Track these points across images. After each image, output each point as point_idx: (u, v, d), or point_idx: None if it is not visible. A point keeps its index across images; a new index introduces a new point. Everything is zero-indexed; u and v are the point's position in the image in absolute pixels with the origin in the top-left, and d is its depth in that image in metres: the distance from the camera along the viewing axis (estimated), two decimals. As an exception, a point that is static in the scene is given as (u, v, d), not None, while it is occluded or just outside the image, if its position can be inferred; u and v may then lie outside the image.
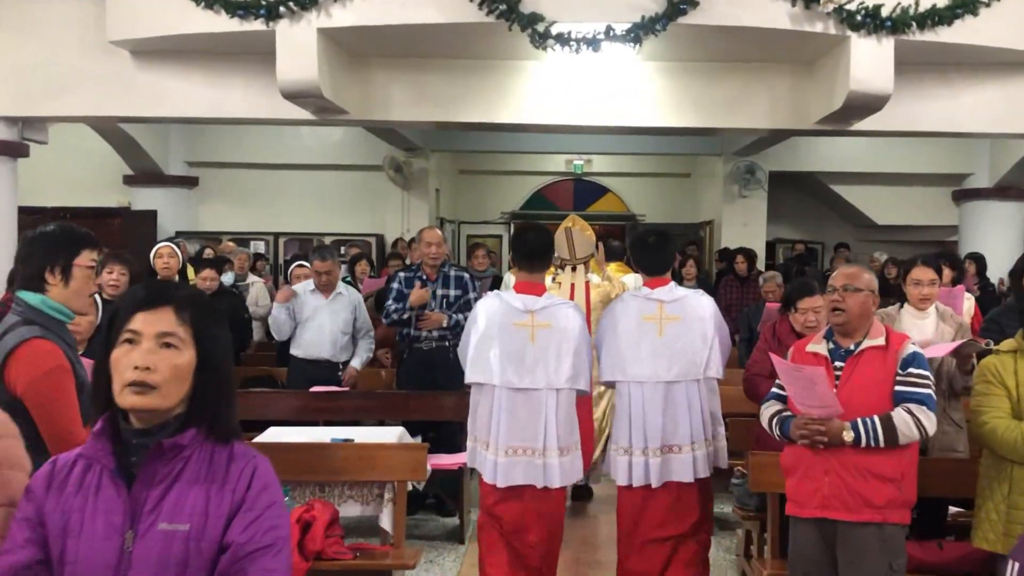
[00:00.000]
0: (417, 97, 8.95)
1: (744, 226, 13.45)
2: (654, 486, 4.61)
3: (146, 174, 13.44)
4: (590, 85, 8.88)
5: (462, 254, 14.84)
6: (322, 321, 6.86)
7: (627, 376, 4.68)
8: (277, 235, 13.72)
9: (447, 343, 6.77)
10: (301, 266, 8.19)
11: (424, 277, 6.83)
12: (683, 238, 14.75)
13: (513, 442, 4.45)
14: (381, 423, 7.52)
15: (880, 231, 14.90)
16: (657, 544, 4.68)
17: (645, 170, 16.96)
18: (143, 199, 13.53)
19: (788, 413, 3.89)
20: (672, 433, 4.61)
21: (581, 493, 7.19)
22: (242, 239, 13.30)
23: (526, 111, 9.00)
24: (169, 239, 12.28)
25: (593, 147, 13.90)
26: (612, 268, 8.16)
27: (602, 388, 6.30)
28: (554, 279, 6.62)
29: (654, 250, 4.85)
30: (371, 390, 7.20)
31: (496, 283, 9.54)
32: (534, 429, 4.47)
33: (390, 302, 6.83)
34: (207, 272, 7.85)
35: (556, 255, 6.51)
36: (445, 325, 6.68)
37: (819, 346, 3.93)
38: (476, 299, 6.79)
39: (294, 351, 6.91)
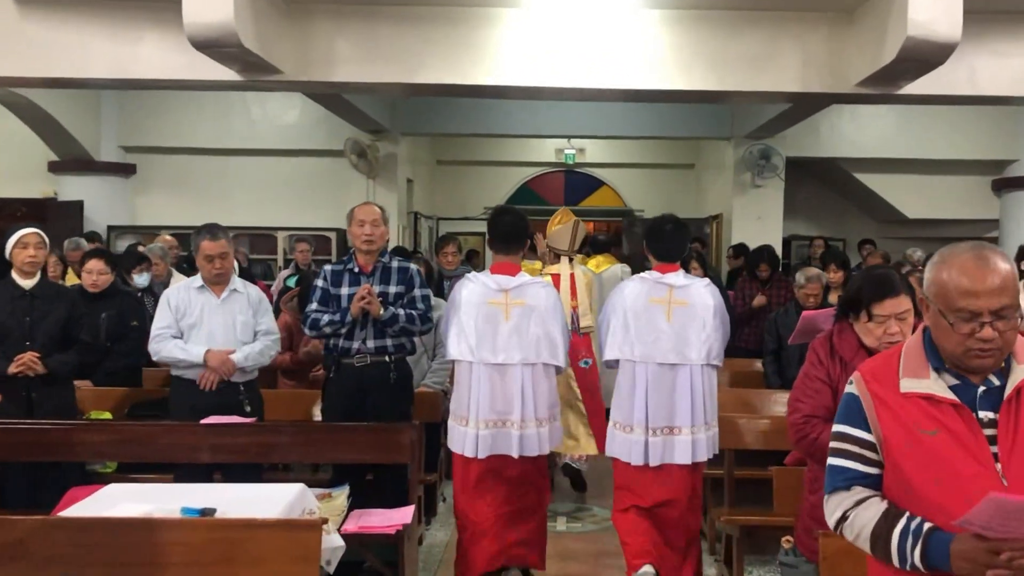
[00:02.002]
0: (367, 53, 7.32)
1: (758, 220, 11.79)
2: (652, 465, 4.68)
3: (75, 160, 11.77)
4: (579, 38, 7.25)
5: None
6: (212, 328, 5.09)
7: (634, 356, 4.74)
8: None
9: (387, 358, 5.11)
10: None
11: (357, 269, 5.16)
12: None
13: (491, 415, 4.68)
14: (316, 468, 5.89)
15: (907, 226, 13.26)
16: (653, 520, 4.76)
17: (643, 160, 15.38)
18: (71, 189, 11.87)
19: (927, 524, 2.09)
20: (673, 415, 4.69)
21: (576, 481, 7.17)
22: (184, 234, 11.57)
23: (501, 71, 7.36)
24: (90, 234, 10.70)
25: (585, 128, 12.21)
26: (600, 259, 8.25)
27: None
28: (542, 272, 6.74)
29: (671, 237, 4.89)
30: (298, 420, 5.55)
31: None
32: (510, 402, 4.68)
33: (313, 306, 5.16)
34: (93, 263, 6.19)
35: (552, 246, 7.04)
36: (381, 314, 5.01)
37: (934, 384, 2.15)
38: (424, 298, 5.21)
39: (176, 371, 5.17)
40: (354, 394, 5.07)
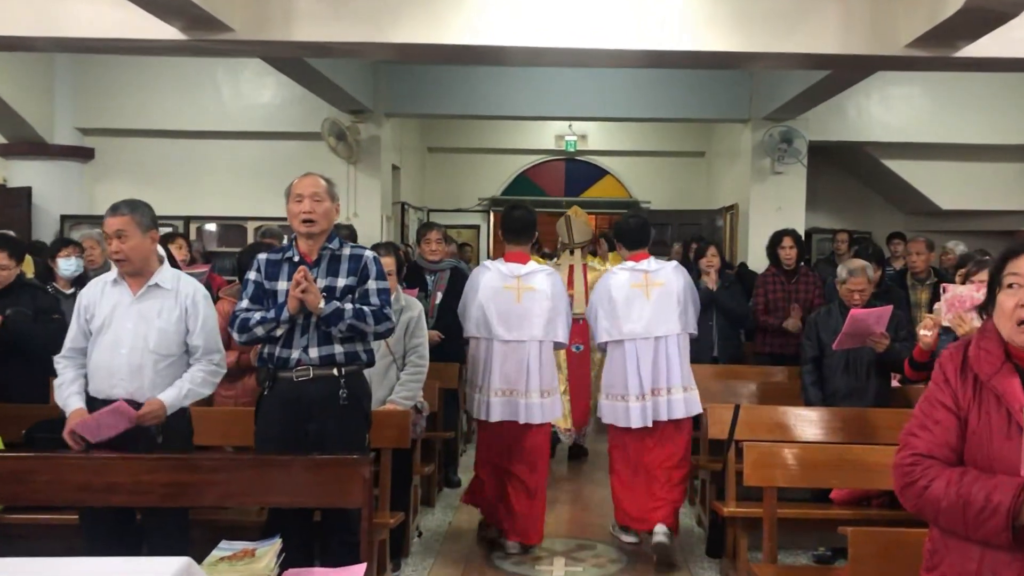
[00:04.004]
0: (333, 8, 6.33)
1: (778, 211, 10.63)
2: (648, 425, 5.38)
3: (25, 143, 10.68)
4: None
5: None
6: (119, 334, 3.98)
7: (623, 334, 5.48)
8: (188, 219, 10.89)
9: (336, 371, 4.02)
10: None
11: (298, 258, 4.09)
12: (695, 230, 12.19)
13: (502, 385, 5.34)
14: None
15: (938, 218, 12.16)
16: (650, 477, 5.42)
17: (650, 148, 14.31)
18: (22, 174, 10.78)
19: None
20: (660, 379, 5.41)
21: (577, 452, 7.96)
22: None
23: (489, 29, 6.38)
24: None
25: (588, 110, 11.08)
26: (615, 256, 8.22)
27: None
28: (555, 261, 7.74)
29: (634, 230, 5.75)
30: (222, 451, 4.48)
31: (456, 276, 6.98)
32: (519, 375, 5.35)
33: (243, 304, 4.09)
34: (-4, 256, 5.11)
35: (559, 240, 7.91)
36: (321, 307, 3.94)
37: None
38: (381, 291, 4.13)
39: (89, 387, 4.07)
40: (293, 417, 3.99)
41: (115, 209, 3.99)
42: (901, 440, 2.38)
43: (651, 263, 5.60)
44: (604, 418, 5.63)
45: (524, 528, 5.42)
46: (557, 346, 5.60)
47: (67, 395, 3.99)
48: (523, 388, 5.34)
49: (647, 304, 5.47)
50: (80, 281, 6.62)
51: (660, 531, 5.29)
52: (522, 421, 5.34)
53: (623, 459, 5.55)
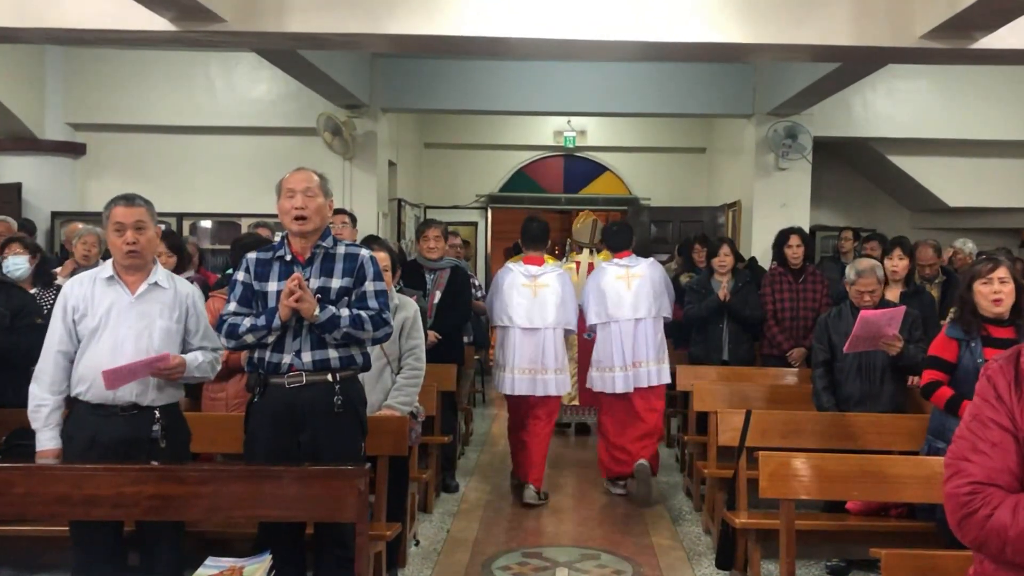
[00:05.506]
0: (325, -2, 6.07)
1: (782, 207, 10.43)
2: (629, 391, 6.66)
3: (15, 139, 10.49)
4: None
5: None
6: (120, 336, 3.76)
7: (609, 317, 6.75)
8: (181, 216, 10.72)
9: (330, 376, 3.82)
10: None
11: (290, 258, 3.88)
12: (697, 227, 11.97)
13: (524, 365, 6.52)
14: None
15: (945, 215, 11.96)
16: (631, 437, 6.72)
17: (649, 144, 14.09)
18: (12, 170, 10.60)
19: None
20: (638, 353, 6.68)
21: (582, 429, 9.18)
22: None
23: (489, 20, 6.15)
24: (25, 223, 9.43)
25: (587, 105, 10.84)
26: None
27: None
28: (566, 259, 8.87)
29: (617, 234, 7.05)
30: (208, 460, 4.27)
31: (456, 275, 6.82)
32: (537, 356, 6.54)
33: (231, 307, 3.88)
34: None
35: (576, 240, 8.99)
36: (316, 315, 3.72)
37: None
38: (378, 293, 3.93)
39: (77, 389, 3.81)
40: (285, 426, 3.78)
41: (131, 200, 3.81)
42: (950, 466, 2.08)
43: (632, 260, 6.83)
44: (594, 387, 6.82)
45: (537, 474, 6.59)
46: (567, 332, 6.73)
47: (43, 425, 3.76)
48: (540, 366, 6.49)
49: (629, 293, 6.70)
50: (40, 276, 6.15)
51: (641, 464, 6.59)
52: (539, 394, 6.51)
53: (611, 421, 6.77)
